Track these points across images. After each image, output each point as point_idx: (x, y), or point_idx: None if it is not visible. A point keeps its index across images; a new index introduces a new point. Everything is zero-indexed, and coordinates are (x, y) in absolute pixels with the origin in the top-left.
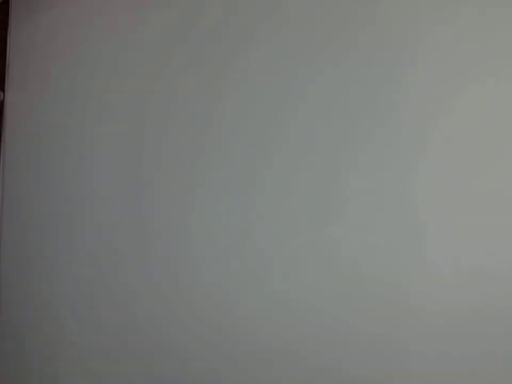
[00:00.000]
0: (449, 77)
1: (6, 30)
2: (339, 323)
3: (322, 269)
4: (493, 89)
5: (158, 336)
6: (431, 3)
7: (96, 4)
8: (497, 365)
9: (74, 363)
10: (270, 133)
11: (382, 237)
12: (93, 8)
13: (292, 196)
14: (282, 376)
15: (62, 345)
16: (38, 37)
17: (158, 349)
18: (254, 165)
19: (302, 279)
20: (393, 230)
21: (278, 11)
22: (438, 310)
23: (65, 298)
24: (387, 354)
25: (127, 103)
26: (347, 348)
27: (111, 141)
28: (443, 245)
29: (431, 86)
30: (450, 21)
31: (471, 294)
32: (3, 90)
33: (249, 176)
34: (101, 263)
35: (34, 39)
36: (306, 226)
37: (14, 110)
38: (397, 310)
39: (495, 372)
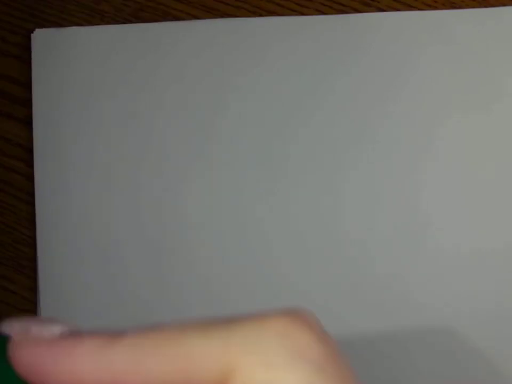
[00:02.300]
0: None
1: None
2: (343, 319)
3: (332, 262)
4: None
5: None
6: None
7: None
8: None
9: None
10: (282, 130)
11: (389, 232)
12: None
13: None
14: None
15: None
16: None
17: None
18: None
19: (312, 272)
20: (400, 226)
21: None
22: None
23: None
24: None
25: (147, 92)
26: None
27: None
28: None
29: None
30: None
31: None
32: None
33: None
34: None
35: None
36: (313, 220)
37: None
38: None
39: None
